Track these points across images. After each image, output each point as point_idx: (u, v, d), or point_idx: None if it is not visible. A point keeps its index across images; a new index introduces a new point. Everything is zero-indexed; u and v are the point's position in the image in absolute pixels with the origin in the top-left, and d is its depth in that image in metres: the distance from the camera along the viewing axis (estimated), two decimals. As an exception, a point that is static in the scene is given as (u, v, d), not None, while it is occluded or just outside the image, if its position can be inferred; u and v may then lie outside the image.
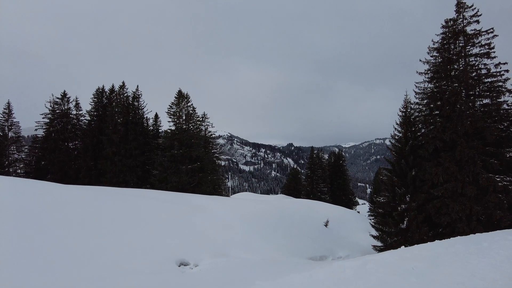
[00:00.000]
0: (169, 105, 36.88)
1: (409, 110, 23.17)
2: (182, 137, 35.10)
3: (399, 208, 22.40)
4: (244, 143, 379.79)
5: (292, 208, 29.65)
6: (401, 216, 22.12)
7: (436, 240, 10.96)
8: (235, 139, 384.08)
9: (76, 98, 41.46)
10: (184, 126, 36.49)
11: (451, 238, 10.75)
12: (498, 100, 20.74)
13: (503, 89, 20.44)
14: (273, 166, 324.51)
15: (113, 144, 36.04)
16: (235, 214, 21.19)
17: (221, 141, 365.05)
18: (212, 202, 23.16)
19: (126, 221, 14.43)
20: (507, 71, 20.40)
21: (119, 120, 37.35)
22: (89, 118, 40.96)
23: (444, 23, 22.31)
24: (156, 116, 43.92)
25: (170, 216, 17.41)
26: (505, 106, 20.96)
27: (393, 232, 22.68)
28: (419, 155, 21.96)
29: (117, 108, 38.16)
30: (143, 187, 35.96)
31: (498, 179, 18.77)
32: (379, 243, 23.71)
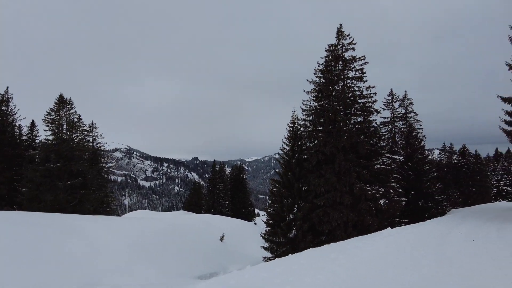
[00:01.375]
0: (47, 111, 32.08)
1: (296, 125, 24.71)
2: (61, 148, 30.73)
3: (287, 218, 23.42)
4: (145, 157, 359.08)
5: (187, 225, 28.51)
6: (289, 226, 23.09)
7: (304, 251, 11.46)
8: (135, 153, 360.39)
9: None
10: (66, 136, 32.10)
11: (304, 250, 11.41)
12: (369, 118, 23.86)
13: (372, 109, 23.56)
14: (177, 181, 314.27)
15: (-36, 156, 29.42)
16: (119, 236, 19.13)
17: (118, 154, 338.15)
18: (94, 223, 20.52)
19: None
20: (375, 93, 23.61)
21: (-25, 127, 30.84)
22: None
23: (327, 47, 24.77)
24: (33, 124, 37.83)
25: (34, 242, 14.57)
26: (374, 124, 24.25)
27: (282, 242, 23.52)
28: (305, 167, 23.44)
29: (-27, 113, 31.53)
30: (6, 208, 30.11)
31: (368, 188, 21.17)
32: (269, 254, 24.26)
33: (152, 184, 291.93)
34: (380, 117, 34.68)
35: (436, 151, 53.42)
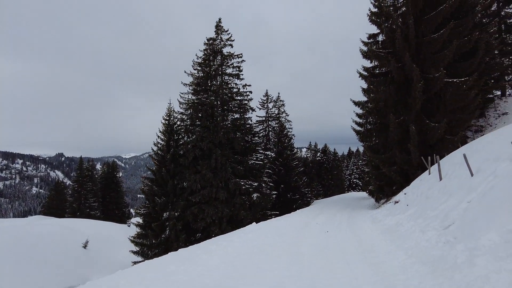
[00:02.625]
0: None
1: (172, 118, 23.29)
2: None
3: (161, 218, 21.82)
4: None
5: (42, 233, 23.76)
6: (161, 227, 21.56)
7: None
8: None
9: None
10: None
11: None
12: (245, 116, 24.33)
13: (248, 107, 24.04)
14: (35, 180, 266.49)
15: None
16: None
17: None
18: None
19: None
20: (251, 92, 24.16)
21: None
22: None
23: (206, 41, 24.06)
24: None
25: None
26: (249, 121, 24.84)
27: (154, 244, 21.83)
28: (180, 164, 22.28)
29: None
30: None
31: (242, 183, 21.42)
32: (140, 258, 22.21)
33: (1, 185, 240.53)
34: (256, 115, 36.38)
35: (304, 149, 59.39)
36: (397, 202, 11.63)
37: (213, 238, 8.84)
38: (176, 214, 21.17)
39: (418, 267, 4.68)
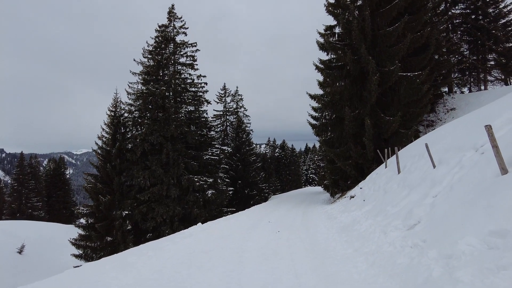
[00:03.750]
0: None
1: (119, 110, 21.14)
2: None
3: (106, 218, 19.70)
4: None
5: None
6: (106, 228, 19.47)
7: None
8: None
9: None
10: None
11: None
12: (200, 108, 22.78)
13: (203, 99, 22.52)
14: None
15: None
16: None
17: None
18: None
19: None
20: (206, 83, 22.65)
21: None
22: None
23: (158, 27, 22.12)
24: None
25: None
26: (205, 115, 23.33)
27: (98, 247, 19.70)
28: (128, 159, 20.26)
29: None
30: None
31: (196, 179, 19.91)
32: (84, 262, 19.95)
33: None
34: (214, 110, 34.81)
35: (263, 146, 58.78)
36: (353, 197, 10.93)
37: (140, 245, 7.38)
38: (123, 213, 19.21)
39: (384, 281, 3.67)
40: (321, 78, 17.44)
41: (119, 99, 21.18)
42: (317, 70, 16.66)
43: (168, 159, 20.03)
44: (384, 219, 5.96)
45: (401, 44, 14.44)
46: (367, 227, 6.24)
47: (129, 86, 21.65)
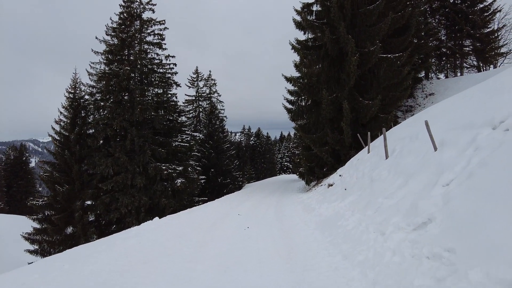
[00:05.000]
0: None
1: (79, 91, 18.86)
2: None
3: (64, 210, 17.65)
4: None
5: None
6: (65, 220, 17.45)
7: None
8: None
9: None
10: None
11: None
12: (169, 91, 20.80)
13: (172, 81, 20.53)
14: None
15: None
16: None
17: None
18: None
19: None
20: (175, 64, 20.63)
21: None
22: None
23: (122, 3, 19.80)
24: None
25: None
26: (175, 98, 21.38)
27: (57, 241, 17.68)
28: (89, 145, 18.16)
29: None
30: None
31: (164, 167, 18.11)
32: (40, 258, 17.86)
33: None
34: (186, 94, 32.66)
35: (238, 134, 57.21)
36: (332, 185, 9.71)
37: (64, 251, 5.66)
38: (84, 204, 17.23)
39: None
40: (297, 59, 16.06)
41: (78, 80, 18.87)
42: (293, 50, 15.16)
43: (133, 145, 18.10)
44: (377, 214, 4.68)
45: (382, 23, 13.20)
46: (355, 223, 4.94)
47: (90, 66, 19.32)
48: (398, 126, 9.14)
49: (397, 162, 5.87)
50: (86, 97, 19.06)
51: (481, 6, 20.49)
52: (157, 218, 7.63)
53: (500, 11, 20.24)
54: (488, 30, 20.40)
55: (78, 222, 17.21)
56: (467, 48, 20.90)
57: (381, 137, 9.27)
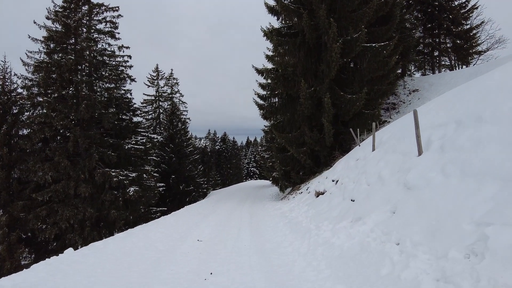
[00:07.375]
0: None
1: (8, 83, 15.59)
2: None
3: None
4: None
5: None
6: (-15, 239, 14.05)
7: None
8: None
9: None
10: None
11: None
12: (122, 86, 18.10)
13: (126, 75, 17.85)
14: None
15: None
16: None
17: None
18: None
19: None
20: (130, 56, 18.01)
21: None
22: None
23: (69, -17, 16.91)
24: None
25: None
26: (129, 95, 18.67)
27: (-25, 265, 14.15)
28: (21, 148, 14.95)
29: None
30: None
31: (114, 174, 15.26)
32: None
33: None
34: (144, 94, 29.64)
35: (203, 139, 54.42)
36: (322, 193, 7.81)
37: None
38: (6, 220, 13.94)
39: None
40: (269, 52, 14.20)
41: (8, 70, 15.62)
42: (265, 38, 13.15)
43: (77, 148, 15.18)
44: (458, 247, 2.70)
45: (366, 8, 11.74)
46: (419, 273, 2.91)
47: (27, 56, 16.13)
48: (418, 110, 7.21)
49: (452, 158, 4.05)
50: (19, 90, 15.83)
51: (459, 1, 19.94)
52: (70, 249, 5.02)
53: (477, 8, 19.87)
54: (467, 27, 19.94)
55: (3, 242, 13.92)
56: (446, 45, 20.36)
57: (376, 133, 7.54)
